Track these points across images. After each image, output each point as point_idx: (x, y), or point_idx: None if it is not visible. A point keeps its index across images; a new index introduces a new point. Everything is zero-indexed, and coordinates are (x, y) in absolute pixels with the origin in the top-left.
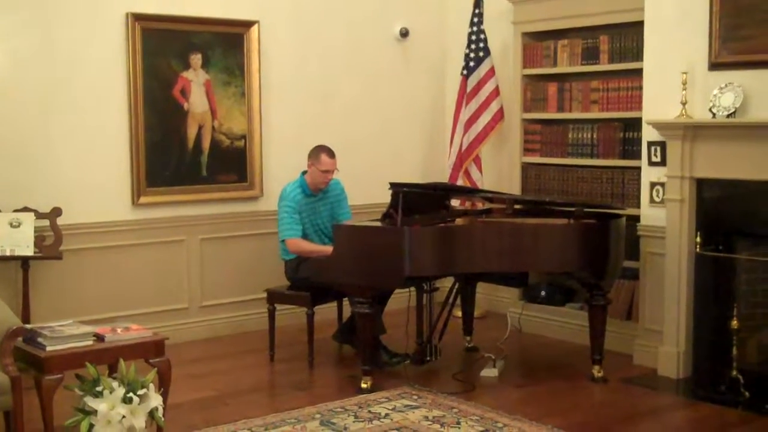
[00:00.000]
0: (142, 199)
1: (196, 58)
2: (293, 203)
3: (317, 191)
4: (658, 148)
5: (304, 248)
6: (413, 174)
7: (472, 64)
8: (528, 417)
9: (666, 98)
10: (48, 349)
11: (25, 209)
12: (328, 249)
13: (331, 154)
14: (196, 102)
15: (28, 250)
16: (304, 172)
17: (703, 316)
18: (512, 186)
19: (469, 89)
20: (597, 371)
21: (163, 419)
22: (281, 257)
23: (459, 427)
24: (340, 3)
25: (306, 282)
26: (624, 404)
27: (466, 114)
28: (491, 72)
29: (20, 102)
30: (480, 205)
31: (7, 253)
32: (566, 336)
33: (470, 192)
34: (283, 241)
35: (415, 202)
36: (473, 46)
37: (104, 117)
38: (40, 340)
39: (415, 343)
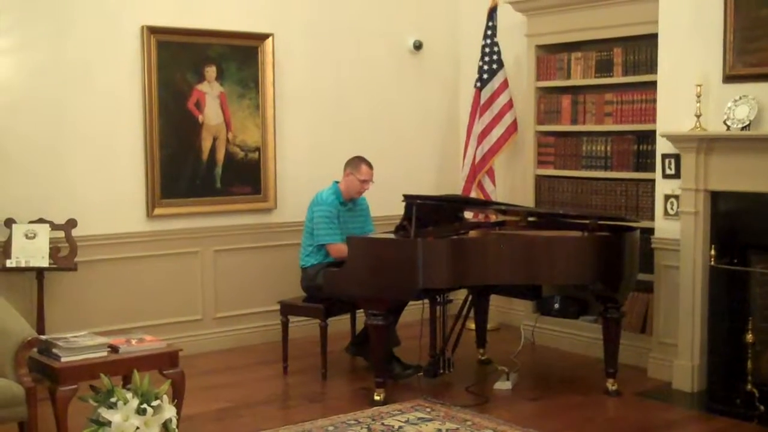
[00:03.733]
0: (157, 211)
1: (211, 71)
2: (332, 208)
3: (349, 200)
4: (673, 161)
5: (346, 254)
6: (427, 186)
7: (485, 76)
8: (542, 430)
9: (680, 111)
10: (63, 360)
11: (41, 221)
12: None
13: (370, 164)
14: (211, 114)
15: (43, 262)
16: (336, 182)
17: (717, 330)
18: (526, 198)
19: (482, 101)
20: (611, 384)
21: (176, 431)
22: (301, 264)
23: None
24: (354, 16)
25: (320, 292)
26: (638, 418)
27: (479, 126)
28: (505, 84)
29: (36, 114)
30: (493, 218)
31: (23, 265)
32: (580, 349)
33: (484, 204)
34: (322, 246)
35: (429, 214)
36: (487, 59)
37: (119, 129)
38: (54, 351)
39: (429, 356)
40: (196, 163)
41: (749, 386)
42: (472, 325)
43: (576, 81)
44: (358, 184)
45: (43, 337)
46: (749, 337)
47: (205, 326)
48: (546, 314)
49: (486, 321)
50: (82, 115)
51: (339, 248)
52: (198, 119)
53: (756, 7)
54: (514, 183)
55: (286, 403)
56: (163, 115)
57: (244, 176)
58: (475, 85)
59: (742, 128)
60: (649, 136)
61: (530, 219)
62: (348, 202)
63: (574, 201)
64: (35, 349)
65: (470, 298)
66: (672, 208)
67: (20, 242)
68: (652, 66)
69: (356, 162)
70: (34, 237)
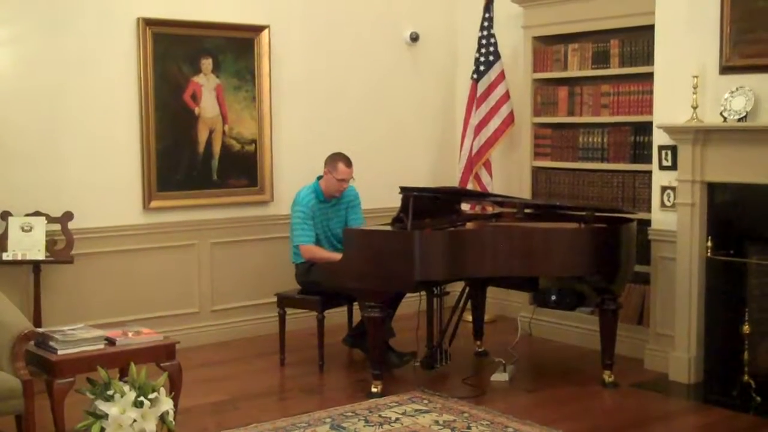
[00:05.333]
0: (153, 204)
1: (207, 63)
2: (306, 208)
3: (330, 198)
4: (669, 152)
5: (317, 254)
6: (423, 178)
7: (482, 68)
8: (538, 422)
9: (677, 102)
10: (59, 352)
11: (37, 213)
12: (339, 256)
13: (348, 162)
14: (207, 106)
15: (40, 254)
16: (320, 177)
17: (714, 321)
18: (522, 190)
19: (479, 93)
20: (608, 376)
21: (174, 423)
22: (292, 261)
23: None
24: (351, 8)
25: (316, 286)
26: (635, 409)
27: (476, 118)
28: (501, 76)
29: (32, 106)
30: (490, 209)
31: (19, 257)
32: (577, 340)
33: (480, 196)
34: (296, 246)
35: (426, 206)
36: (483, 50)
37: (115, 121)
38: (51, 343)
39: (426, 348)
40: (192, 156)
41: (746, 377)
42: (469, 317)
43: (573, 72)
44: (336, 183)
45: (39, 329)
46: (746, 328)
47: (202, 319)
48: (543, 306)
49: (483, 313)
50: (78, 108)
51: (309, 249)
52: (194, 111)
53: None
54: (510, 175)
55: (284, 395)
56: (159, 107)
57: (241, 168)
58: (472, 77)
59: (739, 119)
60: (646, 128)
61: (527, 211)
62: (330, 199)
63: (571, 193)
64: (32, 342)
65: (467, 290)
66: (669, 200)
67: (16, 235)
68: (648, 57)
69: (334, 160)
70: (30, 230)
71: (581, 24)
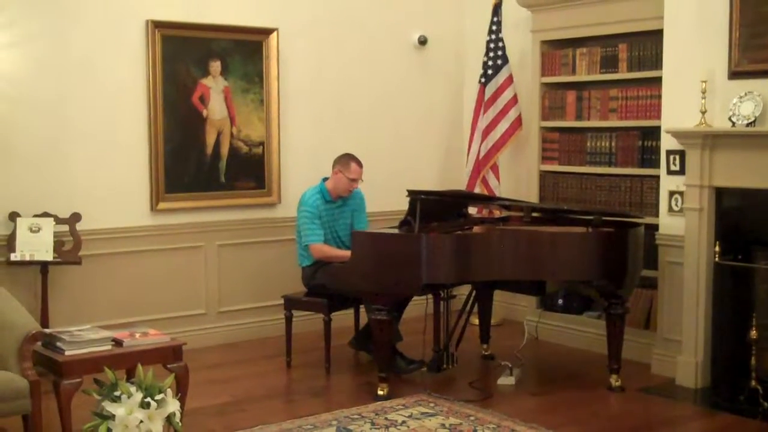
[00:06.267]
0: (161, 205)
1: (216, 65)
2: (313, 208)
3: (337, 198)
4: (677, 157)
5: (327, 253)
6: (431, 181)
7: (490, 72)
8: (545, 425)
9: (685, 107)
10: (67, 353)
11: (45, 214)
12: (349, 253)
13: (359, 163)
14: (215, 109)
15: (48, 255)
16: (325, 179)
17: (721, 326)
18: (530, 194)
19: (487, 97)
20: (614, 380)
21: (180, 424)
22: (299, 263)
23: None
24: (359, 11)
25: (323, 289)
26: (641, 414)
27: (484, 122)
28: (509, 80)
29: (41, 108)
30: (497, 213)
31: (27, 258)
32: (584, 345)
33: (488, 200)
34: (306, 246)
35: (433, 209)
36: (491, 54)
37: (123, 123)
38: (58, 344)
39: (432, 351)
40: (200, 158)
41: (753, 382)
42: (476, 321)
43: (581, 77)
44: (347, 183)
45: (47, 330)
46: (753, 333)
47: (208, 320)
48: (550, 310)
49: (489, 316)
50: (86, 109)
51: (320, 248)
52: (202, 113)
53: (761, 3)
54: (518, 178)
55: (290, 398)
56: (167, 109)
57: (248, 171)
58: (480, 81)
59: (748, 124)
60: (654, 132)
61: (534, 215)
62: (336, 200)
63: (579, 197)
64: (39, 343)
65: (474, 293)
66: (676, 205)
67: (25, 236)
68: (657, 62)
69: (346, 160)
70: (38, 231)
71: (589, 28)
